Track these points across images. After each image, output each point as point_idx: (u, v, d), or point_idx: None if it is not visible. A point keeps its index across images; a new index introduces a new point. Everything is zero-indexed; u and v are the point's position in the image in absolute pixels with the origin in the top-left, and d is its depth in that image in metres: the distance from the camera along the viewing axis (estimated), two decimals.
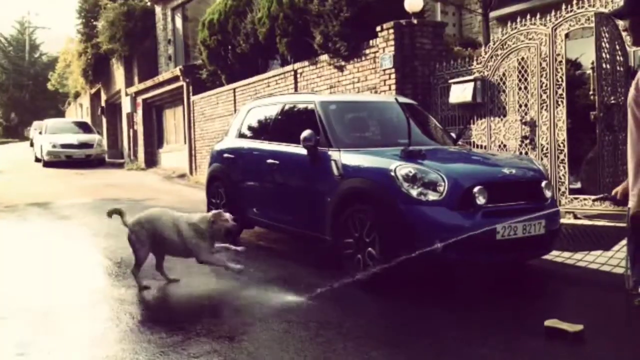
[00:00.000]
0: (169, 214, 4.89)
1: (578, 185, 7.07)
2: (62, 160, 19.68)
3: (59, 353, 3.50)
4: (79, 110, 33.65)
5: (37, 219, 8.94)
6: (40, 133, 22.01)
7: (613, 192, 3.15)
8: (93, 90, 27.65)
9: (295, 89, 10.67)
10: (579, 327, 3.54)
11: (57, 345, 3.61)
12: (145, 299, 4.52)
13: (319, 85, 10.04)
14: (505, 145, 7.19)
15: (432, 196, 4.40)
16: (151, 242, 4.78)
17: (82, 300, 4.60)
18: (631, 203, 2.85)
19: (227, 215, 4.80)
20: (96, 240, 7.06)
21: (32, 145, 26.16)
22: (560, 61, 6.59)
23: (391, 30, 8.20)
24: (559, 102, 6.57)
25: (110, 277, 5.28)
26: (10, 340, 3.69)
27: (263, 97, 8.55)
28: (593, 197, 3.80)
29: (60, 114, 39.03)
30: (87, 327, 3.97)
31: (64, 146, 19.87)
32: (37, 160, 21.55)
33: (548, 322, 3.63)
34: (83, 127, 22.48)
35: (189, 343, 3.57)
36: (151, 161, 20.00)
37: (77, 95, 32.37)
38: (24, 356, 3.43)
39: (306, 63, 10.38)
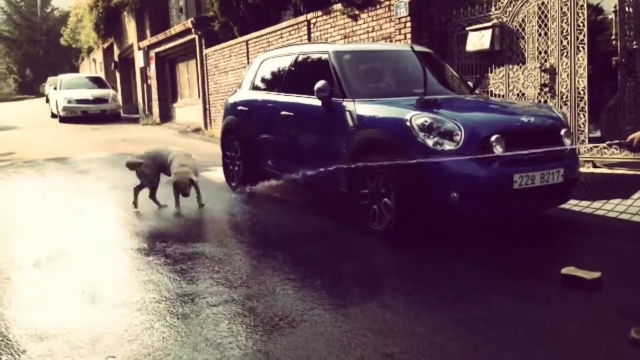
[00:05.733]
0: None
1: (598, 134, 6.95)
2: (77, 115, 19.77)
3: (82, 303, 3.58)
4: (92, 66, 33.57)
5: (56, 174, 9.05)
6: (55, 89, 22.05)
7: (629, 138, 3.06)
8: (106, 45, 27.49)
9: (309, 39, 10.48)
10: (596, 275, 3.53)
11: (79, 295, 3.69)
12: (165, 251, 4.58)
13: (332, 36, 9.85)
14: (523, 94, 7.05)
15: (448, 146, 4.35)
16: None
17: (103, 252, 4.69)
18: None
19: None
20: (114, 194, 7.14)
21: (47, 101, 26.27)
22: (582, 5, 6.37)
23: None
24: (580, 48, 6.39)
25: (129, 230, 5.35)
26: (34, 288, 3.79)
27: (276, 48, 8.42)
28: (607, 142, 3.68)
29: (74, 69, 39.02)
30: (108, 276, 4.06)
31: (79, 101, 19.93)
32: (53, 116, 21.68)
33: (565, 270, 3.63)
34: (97, 82, 22.48)
35: (208, 292, 3.63)
36: (166, 116, 20.00)
37: (90, 50, 32.26)
38: (47, 308, 3.51)
39: (319, 13, 10.17)
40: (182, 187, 5.82)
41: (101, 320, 3.25)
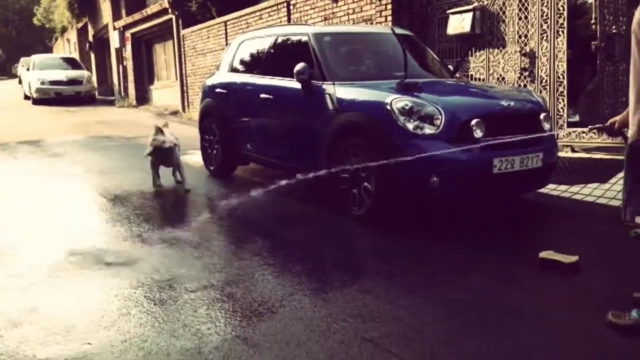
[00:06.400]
0: None
1: (577, 118, 7.00)
2: (51, 97, 19.37)
3: (58, 289, 3.50)
4: (66, 46, 32.87)
5: (29, 157, 8.86)
6: (27, 70, 21.54)
7: (609, 122, 3.08)
8: (80, 25, 26.90)
9: (289, 21, 10.36)
10: (573, 259, 3.56)
11: (54, 282, 3.62)
12: (142, 236, 4.51)
13: (313, 18, 9.75)
14: (504, 78, 7.06)
15: (428, 130, 4.33)
16: None
17: (77, 237, 4.59)
18: (630, 132, 2.78)
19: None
20: (89, 177, 7.01)
21: (20, 82, 25.67)
22: None
23: None
24: (560, 32, 6.40)
25: (105, 214, 5.26)
26: (7, 274, 3.71)
27: (255, 30, 8.30)
28: (589, 126, 3.73)
29: (48, 49, 38.17)
30: (84, 262, 3.97)
31: (52, 83, 19.51)
32: (27, 97, 21.20)
33: (543, 254, 3.65)
34: (71, 63, 22.02)
35: (186, 277, 3.58)
36: (142, 98, 19.69)
37: (63, 30, 31.56)
38: (21, 294, 3.44)
39: None
40: (160, 155, 5.90)
41: (76, 307, 3.18)
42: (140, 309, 3.13)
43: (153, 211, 5.34)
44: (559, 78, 6.47)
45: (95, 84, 22.09)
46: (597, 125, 3.40)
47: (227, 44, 11.96)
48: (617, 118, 3.03)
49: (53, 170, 7.64)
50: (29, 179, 7.14)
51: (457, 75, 6.16)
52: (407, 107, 4.39)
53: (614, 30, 6.10)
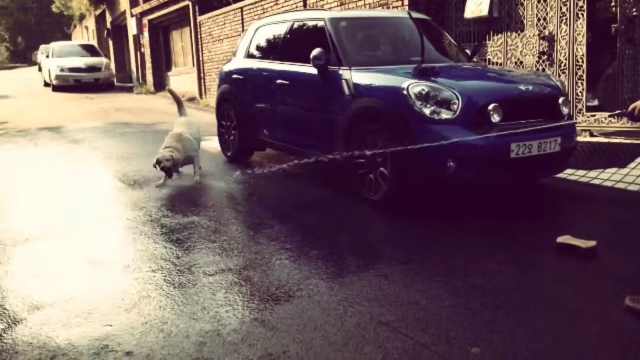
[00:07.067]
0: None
1: (595, 102, 6.91)
2: (70, 84, 19.56)
3: (78, 274, 3.58)
4: (84, 33, 33.09)
5: (50, 143, 8.98)
6: (47, 57, 21.75)
7: (630, 108, 3.06)
8: (98, 12, 27.04)
9: (305, 6, 10.32)
10: (591, 243, 3.54)
11: (75, 265, 3.69)
12: (161, 221, 4.57)
13: (329, 2, 9.69)
14: (522, 62, 6.98)
15: (445, 114, 4.31)
16: None
17: (98, 222, 4.67)
18: None
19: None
20: (108, 163, 7.10)
21: (40, 69, 25.94)
22: None
23: None
24: (579, 15, 6.30)
25: (124, 200, 5.33)
26: (30, 258, 3.79)
27: (271, 15, 8.28)
28: (608, 113, 3.67)
29: (66, 37, 38.48)
30: (104, 246, 4.05)
31: (71, 70, 19.70)
32: (46, 84, 21.45)
33: (560, 239, 3.64)
34: (90, 50, 22.18)
35: (204, 261, 3.64)
36: (160, 84, 19.78)
37: (82, 17, 31.76)
38: (44, 277, 3.51)
39: None
40: (163, 167, 5.64)
41: (97, 290, 3.25)
42: (160, 292, 3.19)
43: (172, 197, 5.40)
44: (578, 62, 6.38)
45: (114, 71, 22.23)
46: (617, 112, 3.38)
47: (243, 30, 11.96)
48: (638, 103, 3.00)
49: (73, 156, 7.75)
50: (50, 165, 7.25)
51: (475, 59, 6.11)
52: (423, 92, 4.37)
53: (635, 13, 6.00)
